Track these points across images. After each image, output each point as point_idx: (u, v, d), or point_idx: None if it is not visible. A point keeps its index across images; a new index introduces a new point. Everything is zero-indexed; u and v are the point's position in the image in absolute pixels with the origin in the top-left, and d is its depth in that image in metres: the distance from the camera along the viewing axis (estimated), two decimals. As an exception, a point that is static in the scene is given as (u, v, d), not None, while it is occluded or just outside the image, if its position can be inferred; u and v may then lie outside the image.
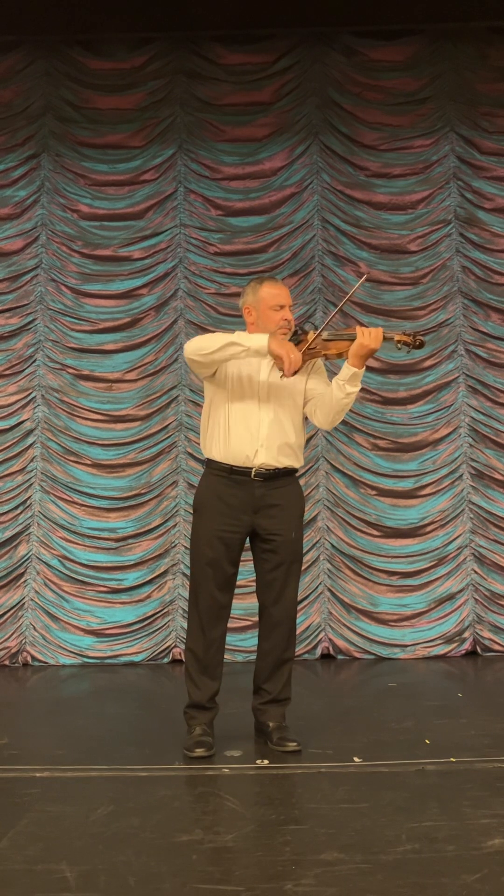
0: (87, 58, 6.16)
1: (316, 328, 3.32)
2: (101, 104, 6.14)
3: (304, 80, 6.16)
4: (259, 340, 3.11)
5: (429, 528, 5.68)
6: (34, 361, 5.88)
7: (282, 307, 3.31)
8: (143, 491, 5.71)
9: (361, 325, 3.32)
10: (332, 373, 3.52)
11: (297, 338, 3.30)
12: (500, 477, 5.73)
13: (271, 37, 6.14)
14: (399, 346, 3.27)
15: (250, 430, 3.22)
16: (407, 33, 6.13)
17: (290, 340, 3.29)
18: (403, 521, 5.69)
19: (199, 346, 3.21)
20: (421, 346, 3.26)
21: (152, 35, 6.12)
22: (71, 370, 5.87)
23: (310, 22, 6.02)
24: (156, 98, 6.15)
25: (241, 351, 3.13)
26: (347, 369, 3.17)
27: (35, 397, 5.84)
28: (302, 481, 5.58)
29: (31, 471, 5.75)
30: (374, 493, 5.73)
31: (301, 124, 6.14)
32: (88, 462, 5.75)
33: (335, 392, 3.21)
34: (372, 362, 5.81)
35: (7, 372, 5.85)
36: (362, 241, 6.02)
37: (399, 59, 6.15)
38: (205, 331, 5.78)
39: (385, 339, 3.21)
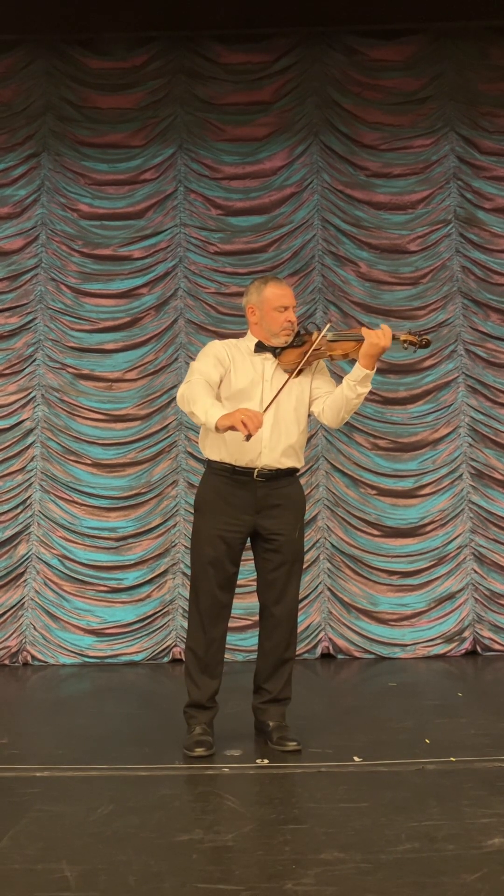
0: (88, 57, 6.16)
1: (319, 329, 3.33)
2: (101, 103, 6.15)
3: (305, 79, 6.16)
4: (212, 418, 2.97)
5: (429, 528, 5.68)
6: (34, 361, 5.88)
7: (286, 308, 3.30)
8: (143, 490, 5.71)
9: (362, 324, 3.32)
10: (334, 374, 3.53)
11: (300, 339, 3.30)
12: (499, 476, 5.73)
13: (271, 36, 6.14)
14: (406, 345, 3.27)
15: None
16: (407, 33, 6.13)
17: (294, 342, 3.29)
18: (403, 520, 5.69)
19: (181, 399, 3.15)
20: (427, 345, 3.28)
21: (152, 34, 6.12)
22: (71, 369, 5.87)
23: (310, 21, 6.02)
24: (156, 97, 6.15)
25: (201, 422, 3.06)
26: (359, 370, 3.17)
27: (35, 397, 5.84)
28: (302, 481, 5.55)
29: (31, 470, 5.75)
30: (374, 492, 5.73)
31: (301, 124, 6.14)
32: (88, 461, 5.75)
33: (346, 392, 3.21)
34: (372, 362, 5.81)
35: (7, 371, 5.85)
36: (362, 241, 6.02)
37: (399, 59, 6.15)
38: (205, 331, 5.80)
39: (391, 338, 3.22)
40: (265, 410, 3.12)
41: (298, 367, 3.25)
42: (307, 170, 6.12)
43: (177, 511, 5.68)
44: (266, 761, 3.03)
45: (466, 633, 5.50)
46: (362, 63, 6.15)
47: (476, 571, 5.62)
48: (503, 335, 5.91)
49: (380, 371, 5.83)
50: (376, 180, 6.09)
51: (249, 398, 3.24)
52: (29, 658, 5.44)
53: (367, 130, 6.12)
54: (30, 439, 5.79)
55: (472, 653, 5.49)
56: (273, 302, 3.29)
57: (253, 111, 6.14)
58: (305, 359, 3.23)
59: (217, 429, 2.97)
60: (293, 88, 6.16)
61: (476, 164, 6.10)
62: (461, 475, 5.75)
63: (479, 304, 5.95)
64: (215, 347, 3.33)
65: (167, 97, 6.16)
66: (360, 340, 3.20)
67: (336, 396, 3.26)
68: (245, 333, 3.41)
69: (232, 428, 2.95)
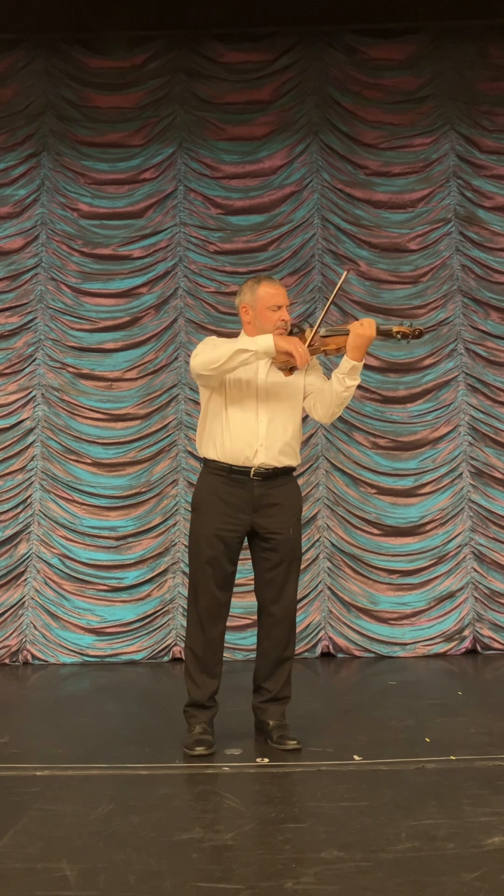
0: (87, 56, 6.16)
1: (311, 326, 3.32)
2: (100, 103, 6.14)
3: (304, 78, 6.16)
4: (265, 342, 3.09)
5: (429, 527, 5.68)
6: (34, 360, 5.89)
7: (279, 307, 3.30)
8: (143, 489, 5.71)
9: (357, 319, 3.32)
10: (328, 369, 3.52)
11: (292, 336, 3.30)
12: (499, 475, 5.73)
13: (271, 35, 6.14)
14: (398, 336, 3.27)
15: (249, 431, 3.22)
16: (407, 31, 6.13)
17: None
18: (403, 519, 5.69)
19: (206, 361, 3.15)
20: (420, 335, 3.27)
21: (152, 33, 6.12)
22: (71, 369, 5.87)
23: (310, 20, 6.01)
24: (156, 96, 6.15)
25: (250, 356, 3.10)
26: (347, 362, 3.17)
27: (35, 396, 5.84)
28: (302, 480, 5.60)
29: (32, 469, 5.75)
30: (373, 491, 5.73)
31: (301, 123, 6.13)
32: (88, 461, 5.75)
33: (335, 386, 3.21)
34: (371, 361, 5.82)
35: (7, 371, 5.85)
36: (362, 240, 6.02)
37: (399, 58, 6.15)
38: (205, 330, 5.79)
39: (383, 332, 3.21)
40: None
41: (292, 365, 3.24)
42: (307, 169, 6.12)
43: (177, 510, 5.68)
44: (266, 760, 3.03)
45: (466, 632, 5.51)
46: (362, 62, 6.15)
47: (476, 570, 5.62)
48: (503, 334, 5.91)
49: (379, 370, 5.85)
50: (376, 179, 6.09)
51: (244, 398, 3.24)
52: (29, 657, 5.44)
53: (367, 129, 6.12)
54: (30, 438, 5.79)
55: (472, 651, 5.49)
56: (266, 301, 3.29)
57: (253, 110, 6.14)
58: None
59: (276, 349, 3.07)
60: (293, 87, 6.15)
61: (476, 162, 6.09)
62: (461, 474, 5.75)
63: (479, 302, 5.95)
64: (214, 340, 3.34)
65: (167, 96, 6.16)
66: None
67: (326, 391, 3.27)
68: (240, 333, 3.42)
69: (288, 353, 3.07)
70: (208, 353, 3.17)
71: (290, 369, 3.24)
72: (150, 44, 6.16)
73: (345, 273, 3.41)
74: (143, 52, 6.15)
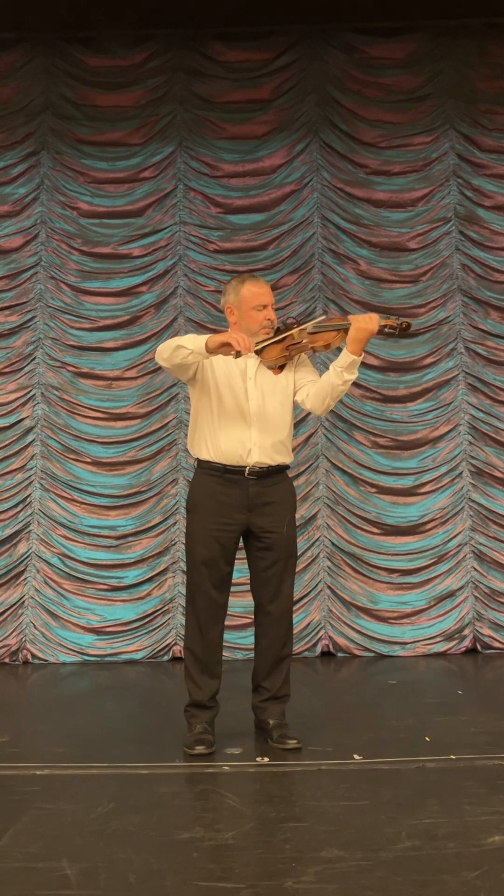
0: (87, 55, 6.15)
1: (298, 322, 3.32)
2: (100, 101, 6.14)
3: (304, 77, 6.15)
4: (201, 339, 3.05)
5: (429, 526, 5.68)
6: (34, 359, 5.88)
7: (264, 306, 3.29)
8: (143, 489, 5.71)
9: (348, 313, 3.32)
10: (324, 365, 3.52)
11: (280, 334, 3.30)
12: (499, 475, 5.73)
13: (271, 34, 6.13)
14: (386, 330, 3.27)
15: (241, 431, 3.21)
16: (406, 30, 6.12)
17: (273, 337, 3.29)
18: (403, 518, 5.69)
19: (159, 353, 3.20)
20: (407, 328, 3.27)
21: (152, 32, 6.11)
22: (70, 368, 5.87)
23: (309, 19, 6.01)
24: (155, 95, 6.14)
25: (188, 354, 3.09)
26: (346, 356, 3.16)
27: (35, 395, 5.84)
28: (302, 479, 5.60)
29: (31, 469, 5.75)
30: (373, 490, 5.73)
31: (301, 122, 6.13)
32: (88, 460, 5.74)
33: (333, 379, 3.20)
34: (371, 360, 5.82)
35: (7, 370, 5.85)
36: (362, 239, 6.01)
37: (399, 57, 6.14)
38: (205, 329, 5.78)
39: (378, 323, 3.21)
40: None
41: (281, 363, 3.24)
42: (307, 167, 6.11)
43: (177, 509, 5.68)
44: (266, 759, 3.03)
45: (466, 631, 5.50)
46: (362, 61, 6.14)
47: (476, 569, 5.62)
48: (503, 333, 5.90)
49: (379, 369, 5.84)
50: (376, 178, 6.08)
51: (234, 397, 3.24)
52: (29, 656, 5.44)
53: (367, 128, 6.11)
54: (29, 437, 5.79)
55: (472, 651, 5.49)
56: (251, 301, 3.28)
57: (252, 109, 6.13)
58: (287, 354, 3.23)
59: (208, 348, 3.01)
60: (293, 86, 6.15)
61: (476, 161, 6.09)
62: (461, 473, 5.75)
63: (479, 301, 5.95)
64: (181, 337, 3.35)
65: (166, 95, 6.15)
66: (342, 329, 3.20)
67: (322, 383, 3.25)
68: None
69: (224, 345, 2.99)
70: (162, 346, 3.20)
71: (279, 367, 3.25)
72: (149, 42, 6.15)
73: (321, 316, 3.43)
74: (143, 50, 6.15)
